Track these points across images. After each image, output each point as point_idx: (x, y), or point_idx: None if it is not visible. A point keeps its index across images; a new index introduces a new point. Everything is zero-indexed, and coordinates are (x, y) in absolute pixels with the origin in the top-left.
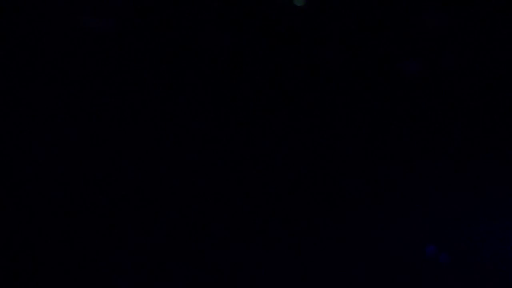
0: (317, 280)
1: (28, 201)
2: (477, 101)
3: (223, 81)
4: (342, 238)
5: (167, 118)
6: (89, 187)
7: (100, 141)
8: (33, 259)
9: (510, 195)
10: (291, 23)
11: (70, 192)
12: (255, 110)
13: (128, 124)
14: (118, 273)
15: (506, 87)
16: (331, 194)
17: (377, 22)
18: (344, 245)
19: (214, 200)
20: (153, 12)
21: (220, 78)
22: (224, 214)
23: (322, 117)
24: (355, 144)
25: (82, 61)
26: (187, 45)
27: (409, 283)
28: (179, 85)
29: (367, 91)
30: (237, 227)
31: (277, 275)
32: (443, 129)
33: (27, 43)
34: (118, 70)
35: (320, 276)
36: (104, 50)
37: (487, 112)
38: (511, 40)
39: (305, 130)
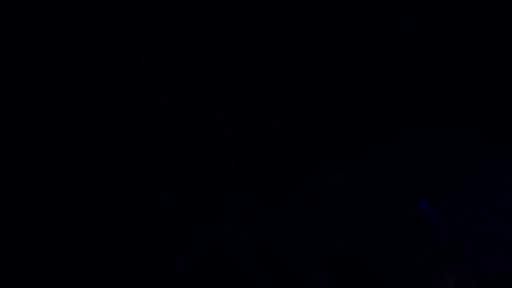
0: (314, 234)
1: None
2: (473, 62)
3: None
4: (340, 194)
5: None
6: None
7: None
8: None
9: (500, 156)
10: None
11: None
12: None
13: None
14: None
15: (502, 48)
16: (328, 151)
17: None
18: (341, 199)
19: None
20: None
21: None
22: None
23: (317, 77)
24: (349, 104)
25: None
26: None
27: (402, 237)
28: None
29: (362, 51)
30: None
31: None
32: (437, 89)
33: None
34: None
35: (316, 230)
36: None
37: (482, 74)
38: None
39: (302, 92)
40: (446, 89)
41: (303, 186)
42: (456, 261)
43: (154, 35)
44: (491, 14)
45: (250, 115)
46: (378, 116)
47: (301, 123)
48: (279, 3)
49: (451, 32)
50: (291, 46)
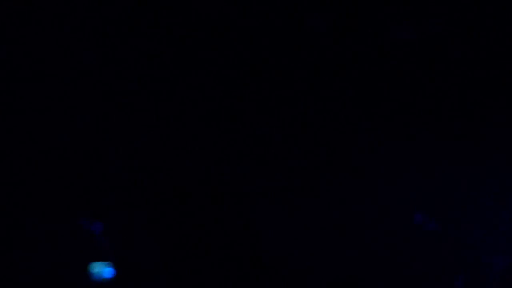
0: (311, 248)
1: None
2: (465, 65)
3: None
4: (336, 204)
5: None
6: None
7: None
8: None
9: (497, 166)
10: None
11: None
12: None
13: None
14: None
15: (497, 52)
16: (326, 163)
17: None
18: (339, 210)
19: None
20: None
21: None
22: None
23: (317, 84)
24: (346, 111)
25: None
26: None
27: (397, 249)
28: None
29: (362, 56)
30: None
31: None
32: (432, 93)
33: None
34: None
35: (314, 245)
36: None
37: (474, 76)
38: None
39: (304, 98)
40: (441, 92)
41: (302, 199)
42: (456, 267)
43: None
44: (479, 20)
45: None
46: (375, 123)
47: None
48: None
49: (443, 38)
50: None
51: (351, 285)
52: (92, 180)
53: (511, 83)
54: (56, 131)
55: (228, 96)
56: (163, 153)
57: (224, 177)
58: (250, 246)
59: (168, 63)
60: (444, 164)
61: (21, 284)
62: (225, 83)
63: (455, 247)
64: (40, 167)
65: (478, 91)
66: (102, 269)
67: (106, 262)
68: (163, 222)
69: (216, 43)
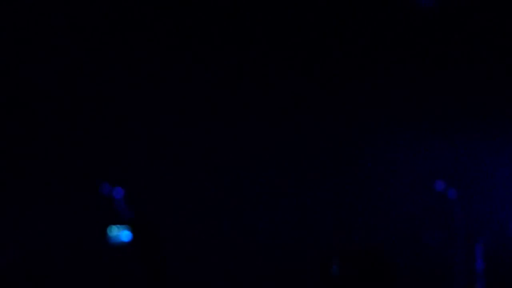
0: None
1: None
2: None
3: None
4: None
5: None
6: None
7: None
8: None
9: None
10: None
11: None
12: None
13: None
14: None
15: None
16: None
17: None
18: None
19: None
20: None
21: None
22: None
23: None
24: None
25: None
26: None
27: (419, 215)
28: None
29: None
30: None
31: None
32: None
33: None
34: None
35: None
36: None
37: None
38: None
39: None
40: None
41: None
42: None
43: None
44: None
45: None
46: (397, 95)
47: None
48: None
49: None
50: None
51: (373, 254)
52: (113, 146)
53: None
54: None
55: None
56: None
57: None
58: None
59: None
60: (465, 134)
61: (43, 246)
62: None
63: (474, 213)
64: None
65: (502, 64)
66: (120, 233)
67: (124, 226)
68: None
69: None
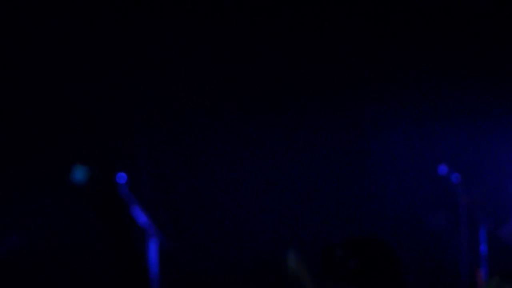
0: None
1: None
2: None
3: None
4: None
5: None
6: None
7: None
8: None
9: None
10: None
11: None
12: None
13: None
14: None
15: None
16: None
17: None
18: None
19: None
20: None
21: None
22: None
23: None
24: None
25: None
26: None
27: (422, 199)
28: None
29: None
30: None
31: None
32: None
33: None
34: None
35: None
36: None
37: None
38: None
39: None
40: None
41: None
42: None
43: None
44: None
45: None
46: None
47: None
48: None
49: None
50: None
51: (377, 242)
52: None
53: None
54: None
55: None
56: None
57: None
58: None
59: None
60: (468, 120)
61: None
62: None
63: (477, 197)
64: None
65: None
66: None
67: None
68: None
69: None
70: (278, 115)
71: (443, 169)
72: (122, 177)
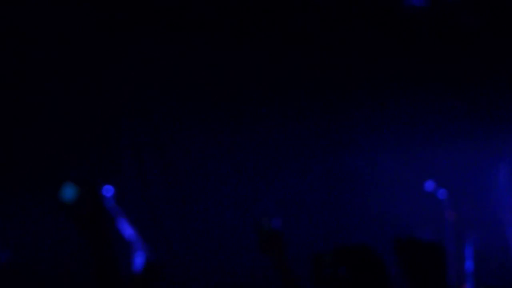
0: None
1: None
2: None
3: None
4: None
5: None
6: None
7: None
8: None
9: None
10: None
11: None
12: None
13: None
14: None
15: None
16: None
17: None
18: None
19: None
20: None
21: None
22: None
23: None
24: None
25: None
26: None
27: (409, 213)
28: None
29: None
30: None
31: None
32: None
33: None
34: None
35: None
36: None
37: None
38: None
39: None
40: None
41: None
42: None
43: None
44: None
45: None
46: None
47: None
48: None
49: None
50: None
51: (362, 251)
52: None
53: None
54: None
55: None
56: None
57: None
58: None
59: None
60: (454, 137)
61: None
62: None
63: (464, 213)
64: None
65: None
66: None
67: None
68: None
69: None
70: (270, 129)
71: (430, 185)
72: (108, 190)
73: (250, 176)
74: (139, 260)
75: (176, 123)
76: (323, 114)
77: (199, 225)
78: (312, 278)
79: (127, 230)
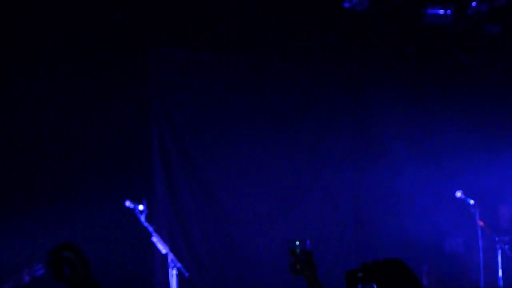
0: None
1: None
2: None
3: None
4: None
5: None
6: None
7: None
8: None
9: None
10: None
11: None
12: None
13: None
14: None
15: None
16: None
17: None
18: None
19: None
20: None
21: None
22: None
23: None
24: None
25: None
26: None
27: (442, 217)
28: None
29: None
30: None
31: None
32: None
33: None
34: None
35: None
36: None
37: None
38: None
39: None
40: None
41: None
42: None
43: None
44: None
45: None
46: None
47: None
48: None
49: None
50: None
51: (395, 267)
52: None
53: None
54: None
55: None
56: None
57: None
58: None
59: None
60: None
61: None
62: None
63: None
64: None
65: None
66: None
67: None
68: None
69: None
70: (302, 147)
71: (460, 194)
72: (142, 207)
73: (283, 196)
74: (172, 275)
75: (207, 142)
76: (353, 133)
77: (229, 245)
78: None
79: (161, 247)
